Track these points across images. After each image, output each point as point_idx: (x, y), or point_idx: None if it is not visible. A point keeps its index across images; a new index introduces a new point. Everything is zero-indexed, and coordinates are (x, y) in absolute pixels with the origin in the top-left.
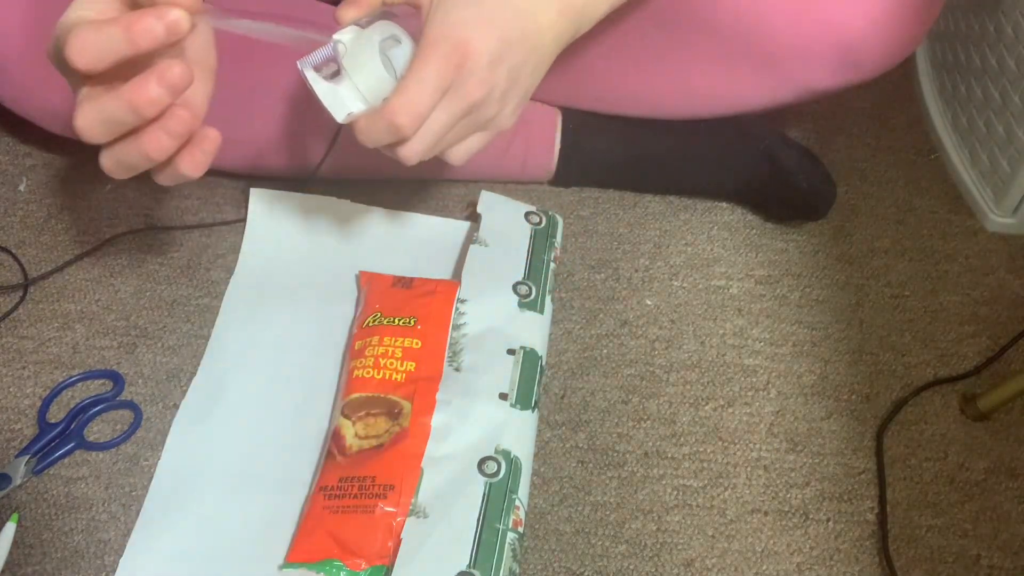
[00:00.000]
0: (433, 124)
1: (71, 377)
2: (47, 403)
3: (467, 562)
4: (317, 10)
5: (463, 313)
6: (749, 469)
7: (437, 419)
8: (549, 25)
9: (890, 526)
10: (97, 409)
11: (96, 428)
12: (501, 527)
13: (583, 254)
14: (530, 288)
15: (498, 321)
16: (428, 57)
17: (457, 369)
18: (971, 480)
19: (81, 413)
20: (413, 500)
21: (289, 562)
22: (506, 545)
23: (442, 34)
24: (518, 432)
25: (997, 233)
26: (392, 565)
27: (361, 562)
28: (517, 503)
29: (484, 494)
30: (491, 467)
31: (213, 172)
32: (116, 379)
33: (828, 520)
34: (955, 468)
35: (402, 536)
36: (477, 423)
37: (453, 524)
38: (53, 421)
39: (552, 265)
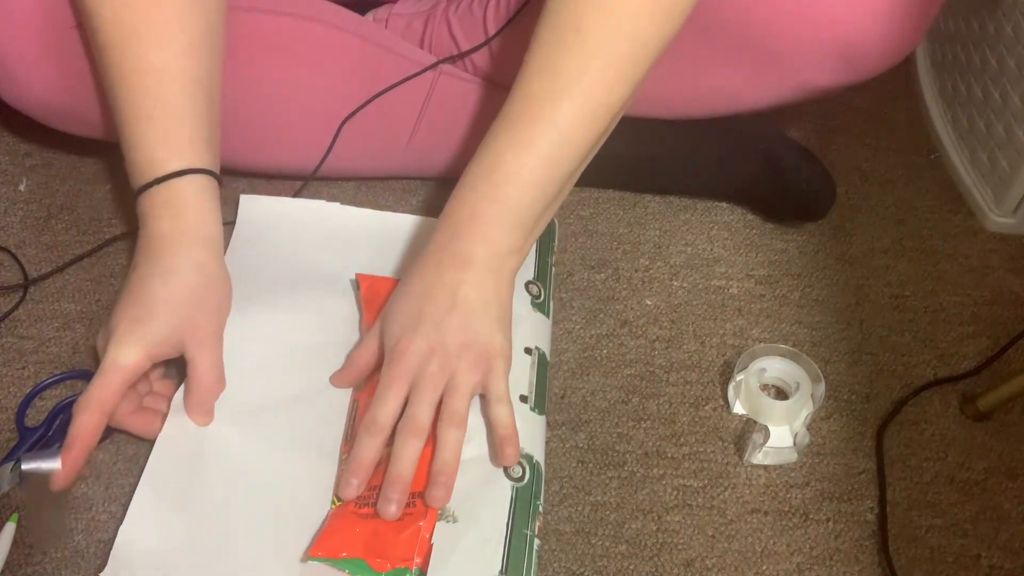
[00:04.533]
0: None
1: (41, 383)
2: (23, 409)
3: (499, 567)
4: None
5: None
6: (749, 469)
7: None
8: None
9: (890, 526)
10: None
11: None
12: (528, 533)
13: (583, 254)
14: (540, 289)
15: (514, 319)
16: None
17: None
18: (971, 480)
19: (60, 414)
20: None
21: (312, 556)
22: (533, 552)
23: None
24: (537, 437)
25: (997, 233)
26: (416, 568)
27: (386, 563)
28: (540, 509)
29: (512, 499)
30: (516, 471)
31: None
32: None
33: (828, 520)
34: (955, 468)
35: (433, 541)
36: None
37: (483, 529)
38: (31, 426)
39: (552, 268)
